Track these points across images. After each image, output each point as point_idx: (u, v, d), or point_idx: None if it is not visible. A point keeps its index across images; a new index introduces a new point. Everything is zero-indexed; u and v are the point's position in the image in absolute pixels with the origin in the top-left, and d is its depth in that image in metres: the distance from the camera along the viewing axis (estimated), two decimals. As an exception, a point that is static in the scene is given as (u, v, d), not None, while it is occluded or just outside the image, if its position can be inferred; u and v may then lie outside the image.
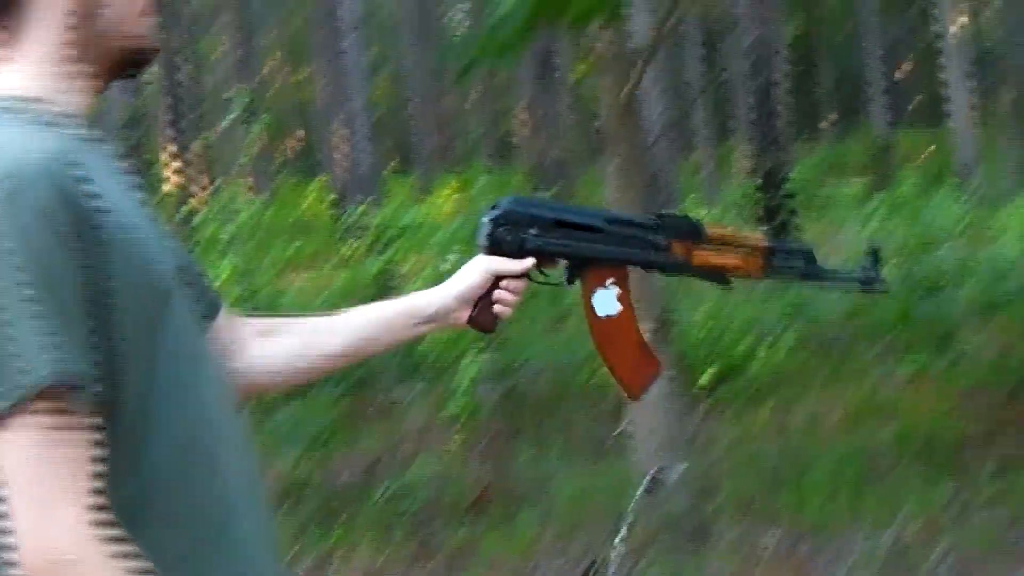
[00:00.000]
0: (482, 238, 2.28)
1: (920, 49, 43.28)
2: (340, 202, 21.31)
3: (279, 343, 2.15)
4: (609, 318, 2.31)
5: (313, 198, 29.16)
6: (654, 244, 2.33)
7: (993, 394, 8.55)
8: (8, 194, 1.47)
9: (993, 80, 28.90)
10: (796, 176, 20.19)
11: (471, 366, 9.21)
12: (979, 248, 13.60)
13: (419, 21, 38.59)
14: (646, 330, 5.20)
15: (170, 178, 20.18)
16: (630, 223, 2.35)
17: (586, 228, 2.30)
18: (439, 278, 7.89)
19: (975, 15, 31.82)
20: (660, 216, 2.36)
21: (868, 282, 2.51)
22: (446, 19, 53.46)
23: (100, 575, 1.45)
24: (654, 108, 16.13)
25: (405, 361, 9.86)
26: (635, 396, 2.46)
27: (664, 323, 5.38)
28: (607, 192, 5.42)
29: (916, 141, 34.99)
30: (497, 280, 2.26)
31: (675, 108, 18.94)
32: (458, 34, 53.30)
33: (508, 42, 4.19)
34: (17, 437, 1.44)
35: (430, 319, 2.26)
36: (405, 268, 15.24)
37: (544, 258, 2.28)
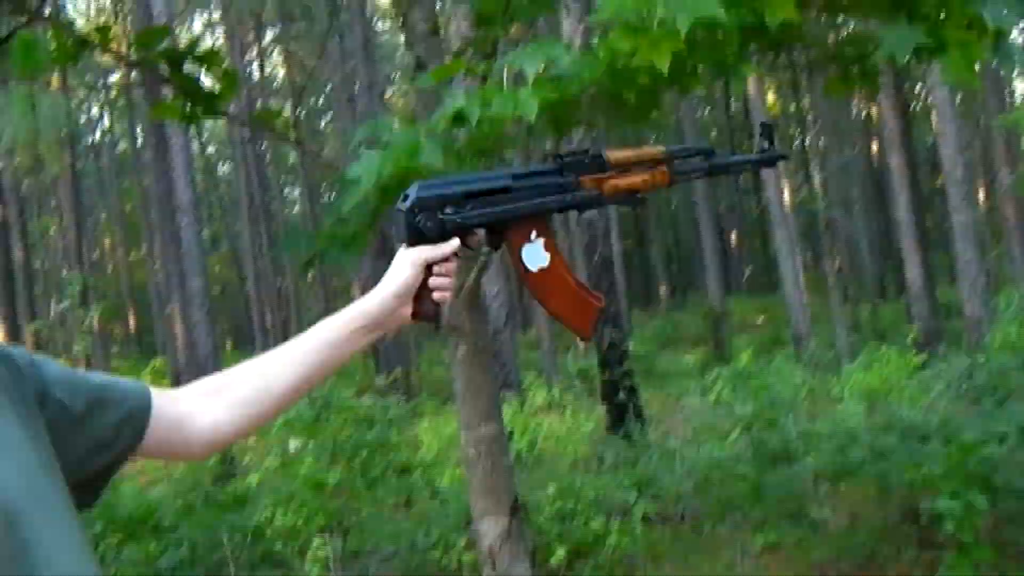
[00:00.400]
0: (401, 232, 2.25)
1: (752, 218, 44.52)
2: (178, 382, 20.95)
3: (230, 396, 2.09)
4: (542, 270, 2.31)
5: (151, 379, 28.67)
6: (563, 186, 2.34)
7: (846, 563, 8.59)
8: None
9: (823, 247, 29.75)
10: (634, 348, 20.43)
11: (319, 552, 9.00)
12: (820, 415, 13.81)
13: (255, 199, 38.54)
14: (503, 521, 5.12)
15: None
16: (535, 173, 2.36)
17: (496, 192, 2.29)
18: (286, 463, 7.63)
19: (799, 188, 32.87)
20: (560, 157, 2.36)
21: (770, 159, 2.58)
22: (283, 194, 53.58)
23: None
24: (491, 287, 16.20)
25: (252, 549, 9.59)
26: (587, 336, 2.45)
27: (516, 513, 5.27)
28: (456, 380, 5.35)
29: (750, 309, 35.75)
30: (428, 268, 2.23)
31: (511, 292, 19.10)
32: (294, 219, 53.43)
33: (352, 236, 4.14)
34: None
35: (376, 325, 2.21)
36: (247, 456, 14.97)
37: (465, 232, 2.27)
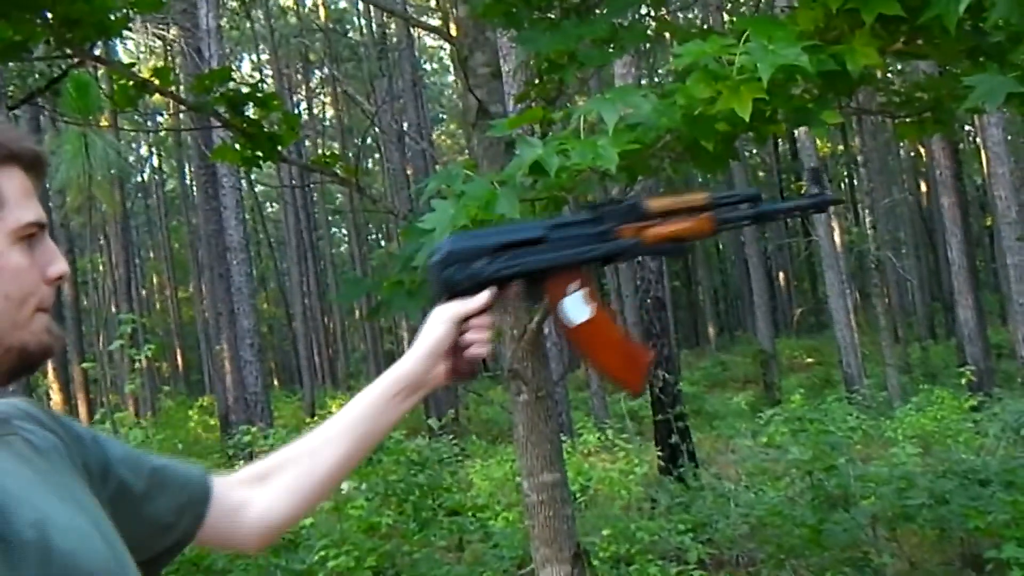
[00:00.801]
0: (435, 285, 2.17)
1: (801, 259, 44.35)
2: (226, 421, 21.08)
3: (279, 481, 2.03)
4: (585, 322, 2.20)
5: (198, 417, 28.85)
6: (601, 236, 2.23)
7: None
8: None
9: (872, 287, 29.56)
10: (683, 388, 20.31)
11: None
12: (874, 458, 13.68)
13: (303, 238, 38.71)
14: (565, 569, 5.06)
15: (53, 399, 19.79)
16: (572, 223, 2.26)
17: (531, 242, 2.20)
18: (338, 505, 7.59)
19: (848, 228, 32.70)
20: (597, 207, 2.26)
21: (820, 204, 2.47)
22: (331, 233, 53.89)
23: None
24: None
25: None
26: (637, 391, 2.32)
27: (578, 561, 5.21)
28: (517, 426, 5.29)
29: (799, 349, 35.56)
30: (463, 323, 2.13)
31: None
32: (341, 258, 53.67)
33: (419, 285, 4.11)
34: None
35: (414, 388, 2.12)
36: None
37: (501, 284, 2.17)
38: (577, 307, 2.20)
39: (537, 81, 5.04)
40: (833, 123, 3.33)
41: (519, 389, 5.24)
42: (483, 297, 2.15)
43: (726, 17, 25.46)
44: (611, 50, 4.26)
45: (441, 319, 2.13)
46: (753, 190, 2.46)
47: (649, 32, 4.73)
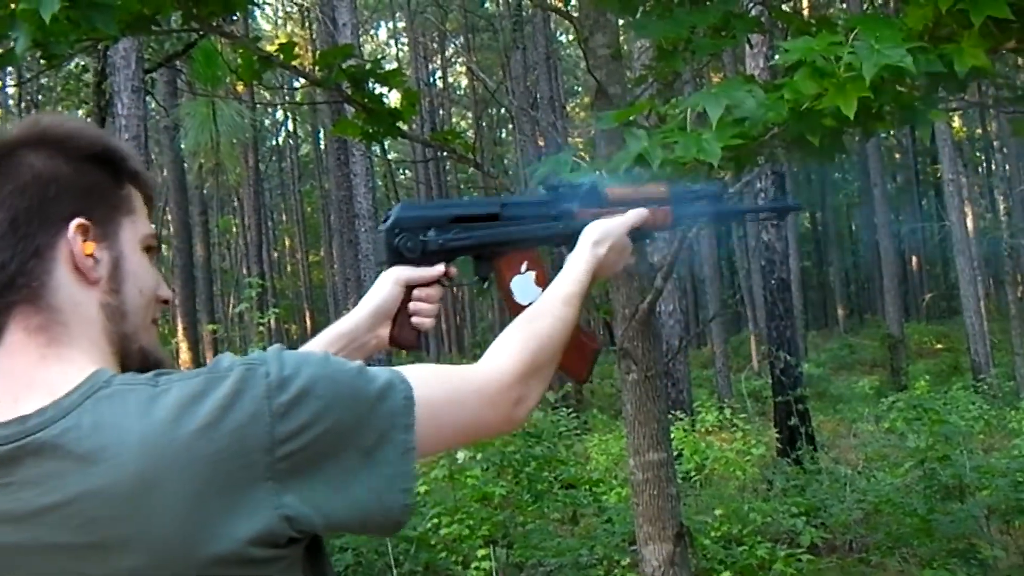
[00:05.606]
0: (381, 253, 2.16)
1: (933, 243, 43.68)
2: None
3: None
4: (533, 304, 2.06)
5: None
6: (557, 217, 2.21)
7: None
8: None
9: (1006, 274, 28.97)
10: (808, 369, 20.14)
11: (483, 563, 9.06)
12: (996, 448, 13.48)
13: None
14: (667, 547, 5.09)
15: (182, 357, 20.19)
16: (528, 202, 2.25)
17: (484, 218, 2.18)
18: (453, 474, 7.64)
19: (983, 215, 32.07)
20: (554, 188, 2.25)
21: (779, 210, 2.56)
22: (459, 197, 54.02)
23: None
24: (667, 304, 16.13)
25: (417, 558, 9.67)
26: (582, 379, 2.25)
27: (680, 540, 5.25)
28: (626, 404, 5.35)
29: (928, 335, 35.06)
30: (410, 291, 2.14)
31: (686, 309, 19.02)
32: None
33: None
34: None
35: (353, 347, 2.10)
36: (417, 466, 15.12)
37: (449, 257, 2.16)
38: (527, 288, 2.19)
39: (655, 66, 5.06)
40: (940, 120, 3.33)
41: (629, 368, 5.29)
42: (436, 268, 2.15)
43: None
44: (724, 38, 4.27)
45: (389, 280, 2.15)
46: (714, 187, 2.44)
47: (762, 21, 4.73)
